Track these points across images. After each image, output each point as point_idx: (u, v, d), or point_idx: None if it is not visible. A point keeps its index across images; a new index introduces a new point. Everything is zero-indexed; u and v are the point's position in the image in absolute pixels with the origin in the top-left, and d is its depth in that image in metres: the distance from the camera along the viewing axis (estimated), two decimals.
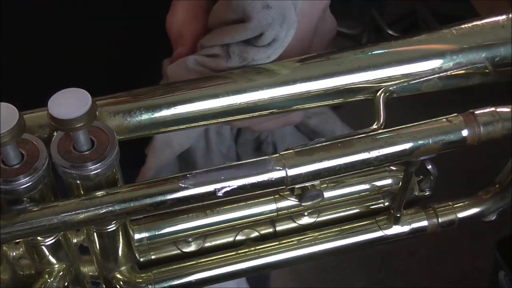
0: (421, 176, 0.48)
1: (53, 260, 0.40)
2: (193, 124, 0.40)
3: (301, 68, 0.41)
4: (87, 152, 0.34)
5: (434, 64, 0.41)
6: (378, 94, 0.41)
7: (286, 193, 0.45)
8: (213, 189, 0.34)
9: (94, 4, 0.39)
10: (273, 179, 0.36)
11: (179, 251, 0.46)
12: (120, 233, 0.41)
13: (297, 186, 0.44)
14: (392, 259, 1.24)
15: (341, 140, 0.37)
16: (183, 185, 0.34)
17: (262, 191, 0.36)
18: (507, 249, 0.47)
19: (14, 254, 0.41)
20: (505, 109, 0.39)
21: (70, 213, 0.33)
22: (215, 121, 0.40)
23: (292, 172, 0.36)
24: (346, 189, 0.46)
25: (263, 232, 0.47)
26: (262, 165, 0.35)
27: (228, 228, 0.45)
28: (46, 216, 0.33)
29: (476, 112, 0.38)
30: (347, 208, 0.48)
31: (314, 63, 0.41)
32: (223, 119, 0.40)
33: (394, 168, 0.47)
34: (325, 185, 0.45)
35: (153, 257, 0.45)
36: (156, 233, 0.44)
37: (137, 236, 0.44)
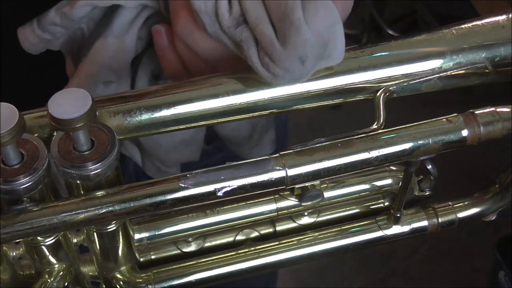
0: (421, 176, 0.48)
1: (53, 260, 0.40)
2: (193, 124, 0.40)
3: None
4: (87, 152, 0.34)
5: (434, 64, 0.41)
6: (378, 94, 0.41)
7: (286, 193, 0.45)
8: (213, 189, 0.34)
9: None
10: (273, 179, 0.36)
11: (179, 251, 0.46)
12: (120, 233, 0.41)
13: (297, 186, 0.44)
14: (392, 259, 1.24)
15: (341, 140, 0.37)
16: (183, 185, 0.34)
17: (262, 191, 0.36)
18: (507, 249, 0.47)
19: (14, 254, 0.41)
20: (505, 109, 0.39)
21: (70, 213, 0.33)
22: (215, 121, 0.40)
23: (292, 172, 0.36)
24: (346, 189, 0.46)
25: (263, 232, 0.47)
26: (262, 165, 0.35)
27: (228, 228, 0.45)
28: (46, 216, 0.33)
29: (476, 112, 0.38)
30: (347, 208, 0.48)
31: None
32: (223, 119, 0.40)
33: (394, 168, 0.47)
34: (325, 185, 0.45)
35: (153, 257, 0.45)
36: (156, 233, 0.44)
37: (137, 236, 0.44)
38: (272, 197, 0.45)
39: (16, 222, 0.33)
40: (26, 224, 0.33)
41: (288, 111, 0.41)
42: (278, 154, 0.36)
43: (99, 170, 0.34)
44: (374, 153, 0.37)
